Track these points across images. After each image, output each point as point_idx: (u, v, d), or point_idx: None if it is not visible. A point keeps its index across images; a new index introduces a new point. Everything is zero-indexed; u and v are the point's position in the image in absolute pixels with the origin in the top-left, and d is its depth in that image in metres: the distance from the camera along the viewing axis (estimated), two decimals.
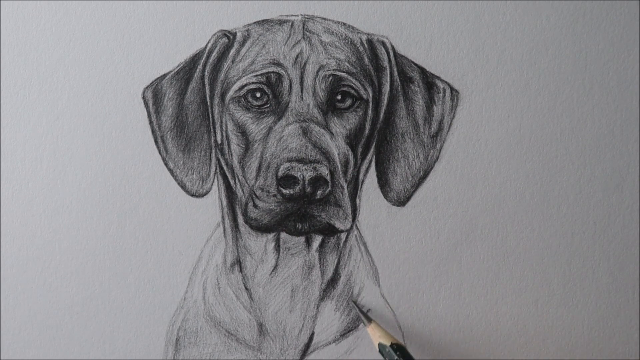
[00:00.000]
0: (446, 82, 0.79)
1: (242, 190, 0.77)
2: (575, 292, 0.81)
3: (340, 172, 0.75)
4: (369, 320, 0.79)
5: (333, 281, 0.80)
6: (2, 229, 0.80)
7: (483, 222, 0.80)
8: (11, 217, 0.80)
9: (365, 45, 0.78)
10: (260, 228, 0.75)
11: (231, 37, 0.78)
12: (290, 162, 0.72)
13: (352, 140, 0.77)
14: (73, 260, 0.80)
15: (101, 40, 0.79)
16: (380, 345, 0.76)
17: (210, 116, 0.78)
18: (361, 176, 0.79)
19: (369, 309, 0.80)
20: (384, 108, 0.79)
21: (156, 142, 0.79)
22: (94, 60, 0.79)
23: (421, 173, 0.79)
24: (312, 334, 0.80)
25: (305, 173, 0.72)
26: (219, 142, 0.78)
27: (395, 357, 0.74)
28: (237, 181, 0.77)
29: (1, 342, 0.80)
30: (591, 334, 0.82)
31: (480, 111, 0.80)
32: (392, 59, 0.79)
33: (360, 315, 0.79)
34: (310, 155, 0.73)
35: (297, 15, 0.79)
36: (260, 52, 0.77)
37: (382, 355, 0.76)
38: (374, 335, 0.77)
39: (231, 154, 0.77)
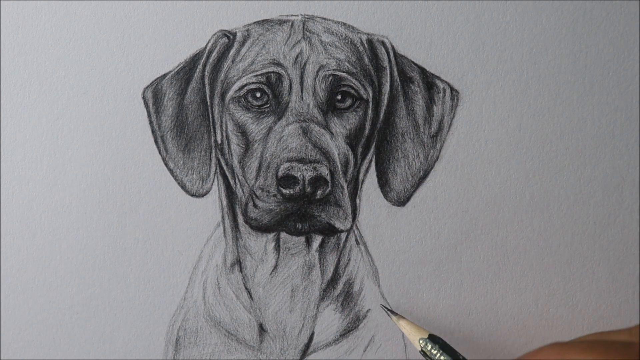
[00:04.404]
0: (446, 82, 0.79)
1: (242, 190, 0.77)
2: (575, 292, 0.81)
3: (340, 172, 0.75)
4: (399, 317, 0.77)
5: (333, 281, 0.80)
6: (2, 229, 0.80)
7: (483, 222, 0.80)
8: (11, 217, 0.80)
9: (365, 45, 0.78)
10: (260, 228, 0.75)
11: (231, 37, 0.78)
12: (290, 162, 0.72)
13: (352, 140, 0.77)
14: (73, 260, 0.80)
15: (101, 40, 0.79)
16: (421, 340, 0.74)
17: (210, 116, 0.78)
18: (361, 176, 0.79)
19: (369, 309, 0.80)
20: (384, 108, 0.79)
21: (156, 142, 0.79)
22: (94, 60, 0.79)
23: (421, 173, 0.79)
24: (312, 334, 0.80)
25: (305, 173, 0.72)
26: (219, 142, 0.78)
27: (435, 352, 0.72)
28: (237, 181, 0.77)
29: (1, 342, 0.80)
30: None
31: (480, 111, 0.80)
32: (392, 59, 0.79)
33: (389, 316, 0.78)
34: (310, 155, 0.73)
35: (297, 15, 0.79)
36: (260, 52, 0.77)
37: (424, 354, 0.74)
38: (411, 332, 0.75)
39: (231, 154, 0.77)
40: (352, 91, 0.77)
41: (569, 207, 0.81)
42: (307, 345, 0.80)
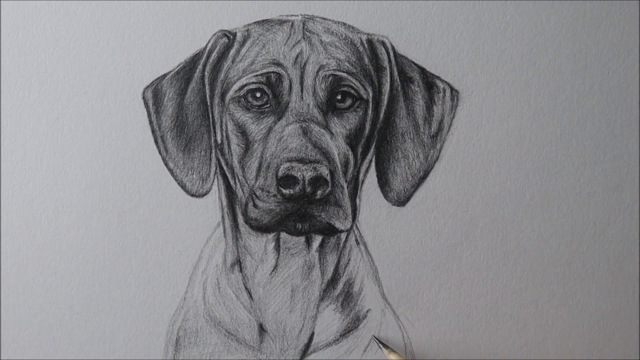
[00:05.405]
0: (446, 82, 0.79)
1: (242, 190, 0.77)
2: (575, 292, 0.81)
3: (340, 172, 0.75)
4: (390, 351, 0.79)
5: (333, 281, 0.80)
6: (2, 229, 0.80)
7: (483, 222, 0.80)
8: (11, 217, 0.80)
9: (365, 45, 0.78)
10: (260, 228, 0.75)
11: (231, 37, 0.78)
12: (290, 162, 0.72)
13: (352, 140, 0.77)
14: (73, 260, 0.80)
15: (101, 40, 0.79)
16: None
17: (210, 116, 0.78)
18: (361, 176, 0.79)
19: (369, 309, 0.80)
20: (384, 108, 0.79)
21: (156, 142, 0.79)
22: (94, 60, 0.79)
23: (421, 173, 0.79)
24: (312, 334, 0.80)
25: (305, 173, 0.72)
26: (219, 142, 0.78)
27: None
28: (237, 181, 0.77)
29: (1, 342, 0.80)
30: (591, 334, 0.82)
31: (480, 111, 0.80)
32: (392, 59, 0.79)
33: (381, 348, 0.80)
34: (310, 155, 0.73)
35: (297, 15, 0.79)
36: (260, 52, 0.77)
37: None
38: None
39: (231, 154, 0.77)
40: (352, 91, 0.77)
41: (569, 207, 0.81)
42: (307, 345, 0.80)
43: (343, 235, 0.80)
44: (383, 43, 0.79)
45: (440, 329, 0.81)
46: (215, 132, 0.78)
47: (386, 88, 0.79)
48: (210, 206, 0.80)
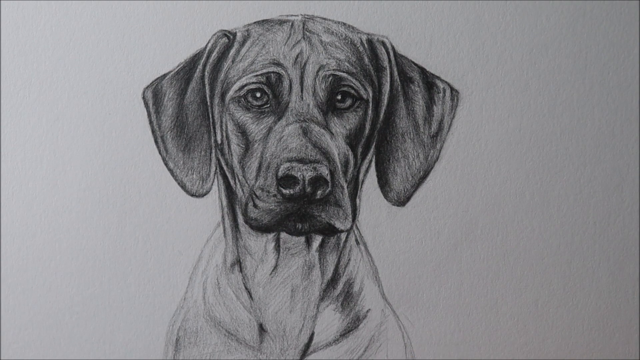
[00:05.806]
0: (446, 82, 0.79)
1: (242, 190, 0.77)
2: (575, 292, 0.81)
3: (340, 172, 0.75)
4: None
5: (333, 281, 0.80)
6: (2, 229, 0.80)
7: (483, 222, 0.80)
8: (11, 217, 0.80)
9: (365, 45, 0.78)
10: (260, 228, 0.75)
11: (231, 37, 0.78)
12: (290, 162, 0.72)
13: (352, 140, 0.77)
14: (73, 260, 0.80)
15: (101, 40, 0.79)
16: None
17: (210, 116, 0.78)
18: (361, 176, 0.79)
19: (369, 309, 0.80)
20: (384, 108, 0.79)
21: (156, 142, 0.79)
22: (94, 60, 0.79)
23: (421, 173, 0.79)
24: (312, 334, 0.80)
25: (305, 173, 0.72)
26: (219, 142, 0.78)
27: None
28: (237, 181, 0.77)
29: (1, 342, 0.80)
30: (591, 334, 0.82)
31: (480, 111, 0.80)
32: (392, 59, 0.79)
33: None
34: (310, 155, 0.73)
35: (297, 15, 0.79)
36: (260, 52, 0.77)
37: None
38: None
39: (231, 154, 0.77)
40: (352, 91, 0.77)
41: (569, 207, 0.81)
42: (307, 345, 0.80)
43: (343, 235, 0.80)
44: (383, 43, 0.79)
45: (440, 329, 0.81)
46: (215, 132, 0.78)
47: (386, 88, 0.79)
48: (210, 206, 0.80)
